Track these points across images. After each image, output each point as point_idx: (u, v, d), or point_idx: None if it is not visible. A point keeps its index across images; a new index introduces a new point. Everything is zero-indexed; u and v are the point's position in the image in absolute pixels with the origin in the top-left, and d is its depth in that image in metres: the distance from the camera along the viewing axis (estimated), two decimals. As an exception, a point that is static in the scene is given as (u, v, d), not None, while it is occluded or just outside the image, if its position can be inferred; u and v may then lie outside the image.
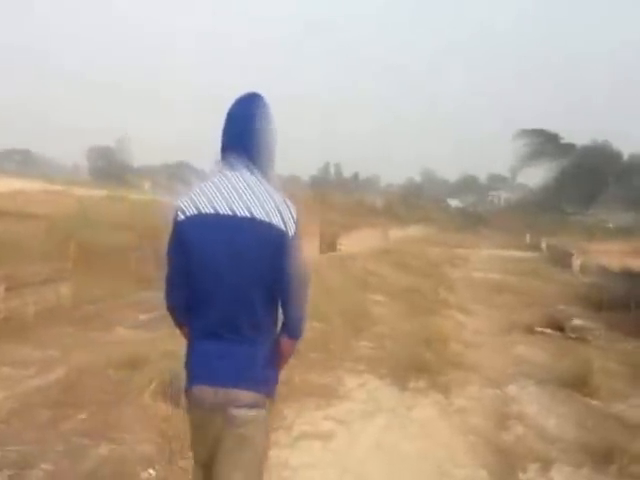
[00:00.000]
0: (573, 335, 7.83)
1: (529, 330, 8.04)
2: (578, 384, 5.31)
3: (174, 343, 4.83)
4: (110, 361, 4.44)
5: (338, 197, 40.95)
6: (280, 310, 1.79)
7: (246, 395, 1.70)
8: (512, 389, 5.38)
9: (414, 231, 31.22)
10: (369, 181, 70.34)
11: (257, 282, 1.67)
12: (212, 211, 1.66)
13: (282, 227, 1.66)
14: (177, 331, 5.48)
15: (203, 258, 1.67)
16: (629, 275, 10.39)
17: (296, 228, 1.69)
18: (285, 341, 1.80)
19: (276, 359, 1.81)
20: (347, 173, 69.46)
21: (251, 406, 1.70)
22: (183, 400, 1.98)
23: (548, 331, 8.03)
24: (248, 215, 1.65)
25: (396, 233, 26.76)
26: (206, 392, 1.70)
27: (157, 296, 6.73)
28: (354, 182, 66.43)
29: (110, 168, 50.80)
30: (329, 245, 16.49)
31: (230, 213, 1.65)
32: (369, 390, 5.05)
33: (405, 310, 8.57)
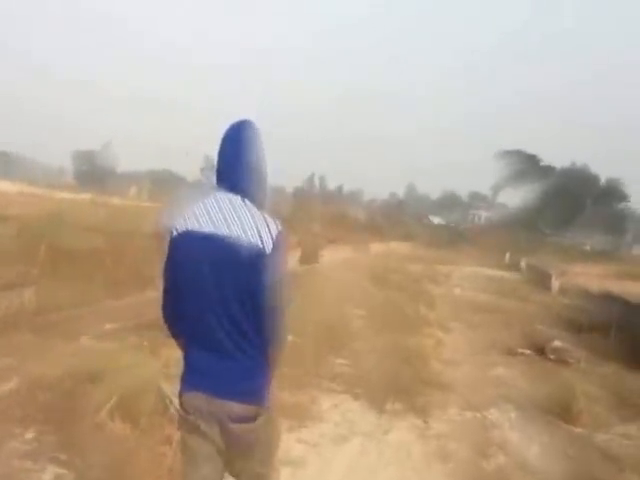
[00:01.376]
0: (553, 357, 7.69)
1: (509, 351, 7.89)
2: (560, 411, 5.15)
3: (138, 356, 4.57)
4: (68, 373, 4.13)
5: (321, 209, 40.80)
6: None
7: (239, 407, 1.77)
8: (493, 413, 5.19)
9: (396, 246, 31.13)
10: (353, 194, 70.42)
11: (238, 296, 1.76)
12: (198, 229, 1.79)
13: (259, 244, 1.75)
14: (143, 342, 5.16)
15: (189, 273, 1.79)
16: (609, 298, 10.33)
17: (274, 245, 1.76)
18: (268, 352, 1.86)
19: (266, 370, 1.88)
20: (332, 185, 69.47)
21: (247, 419, 1.79)
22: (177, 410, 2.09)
23: (528, 352, 7.89)
24: (227, 233, 1.76)
25: (378, 247, 26.62)
26: (199, 399, 1.79)
27: (126, 304, 6.40)
28: (338, 195, 66.40)
29: (95, 172, 50.03)
30: (310, 257, 16.26)
31: (213, 231, 1.77)
32: (344, 411, 4.82)
33: (384, 326, 8.34)
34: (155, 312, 6.65)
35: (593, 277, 17.62)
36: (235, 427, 1.79)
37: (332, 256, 16.84)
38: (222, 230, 1.77)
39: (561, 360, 7.56)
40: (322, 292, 9.70)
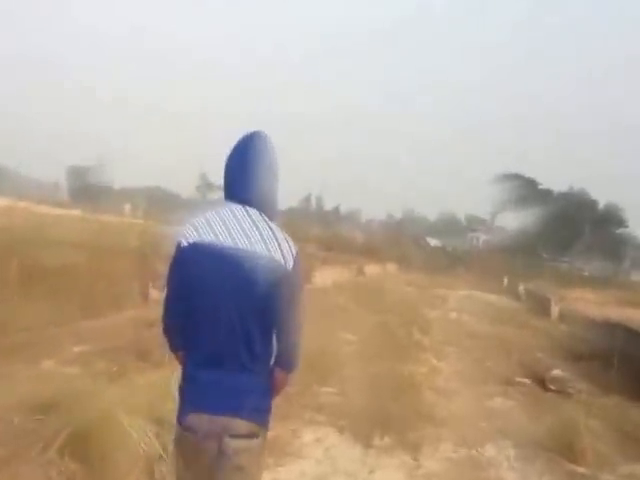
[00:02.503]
0: (553, 387, 7.29)
1: (507, 380, 7.49)
2: (562, 448, 4.75)
3: (102, 383, 4.17)
4: (20, 402, 3.74)
5: (317, 229, 40.49)
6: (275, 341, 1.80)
7: (243, 424, 1.69)
8: (489, 450, 4.79)
9: (391, 268, 30.77)
10: (350, 215, 70.14)
11: (254, 313, 1.69)
12: (214, 240, 1.70)
13: (281, 261, 1.71)
14: (113, 368, 4.74)
15: (202, 286, 1.71)
16: (610, 326, 9.94)
17: (295, 265, 1.73)
18: (278, 374, 1.81)
19: (270, 389, 1.81)
20: (328, 206, 69.26)
21: (247, 436, 1.70)
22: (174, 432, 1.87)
23: (527, 382, 7.49)
24: (249, 247, 1.69)
25: (373, 269, 26.26)
26: (203, 420, 1.69)
27: (102, 325, 5.97)
28: (335, 215, 66.15)
29: (89, 188, 49.71)
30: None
31: (231, 243, 1.69)
32: (327, 447, 4.42)
33: (376, 351, 7.94)
34: (131, 334, 6.22)
35: (592, 303, 17.26)
36: (232, 443, 1.69)
37: (325, 277, 16.47)
38: (242, 244, 1.70)
39: (562, 391, 7.17)
40: (311, 314, 9.30)
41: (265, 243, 1.71)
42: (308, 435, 4.58)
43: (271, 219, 1.81)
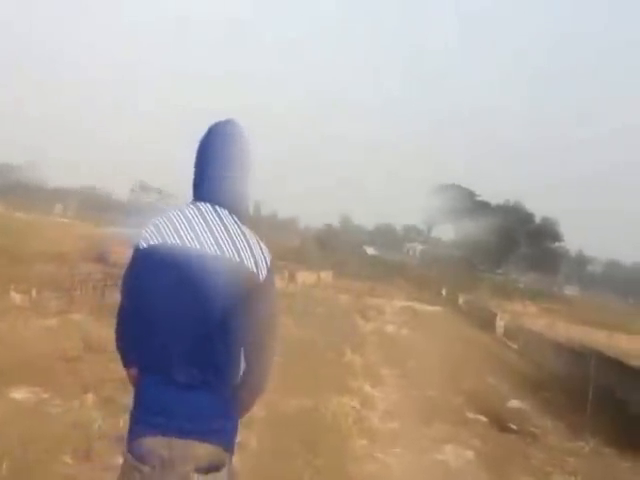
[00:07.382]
0: (514, 427, 5.85)
1: (457, 417, 5.97)
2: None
3: None
4: None
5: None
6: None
7: (206, 449, 1.42)
8: None
9: (326, 276, 29.33)
10: (287, 222, 68.83)
11: (221, 324, 1.47)
12: (178, 242, 1.49)
13: (253, 269, 1.48)
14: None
15: (162, 294, 1.49)
16: (574, 351, 8.64)
17: (268, 274, 1.51)
18: (244, 395, 1.53)
19: (235, 409, 1.54)
20: (266, 211, 67.68)
21: (212, 468, 1.42)
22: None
23: (482, 419, 6.02)
24: (217, 251, 1.48)
25: (306, 276, 24.70)
26: (159, 444, 1.42)
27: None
28: (272, 221, 64.62)
29: (18, 186, 46.71)
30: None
31: (198, 246, 1.48)
32: None
33: (295, 379, 6.25)
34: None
35: (537, 318, 16.37)
36: (197, 478, 1.40)
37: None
38: (210, 249, 1.45)
39: (524, 432, 5.75)
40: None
41: (237, 249, 1.46)
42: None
43: (242, 220, 1.54)
